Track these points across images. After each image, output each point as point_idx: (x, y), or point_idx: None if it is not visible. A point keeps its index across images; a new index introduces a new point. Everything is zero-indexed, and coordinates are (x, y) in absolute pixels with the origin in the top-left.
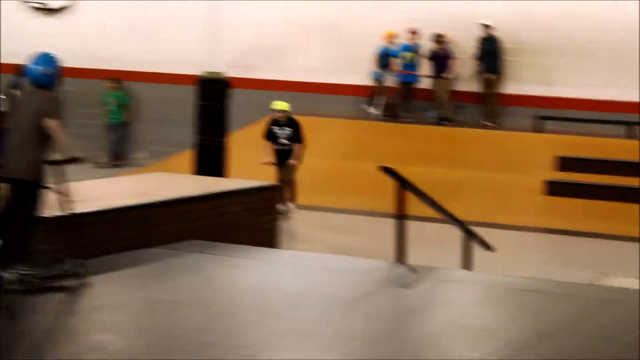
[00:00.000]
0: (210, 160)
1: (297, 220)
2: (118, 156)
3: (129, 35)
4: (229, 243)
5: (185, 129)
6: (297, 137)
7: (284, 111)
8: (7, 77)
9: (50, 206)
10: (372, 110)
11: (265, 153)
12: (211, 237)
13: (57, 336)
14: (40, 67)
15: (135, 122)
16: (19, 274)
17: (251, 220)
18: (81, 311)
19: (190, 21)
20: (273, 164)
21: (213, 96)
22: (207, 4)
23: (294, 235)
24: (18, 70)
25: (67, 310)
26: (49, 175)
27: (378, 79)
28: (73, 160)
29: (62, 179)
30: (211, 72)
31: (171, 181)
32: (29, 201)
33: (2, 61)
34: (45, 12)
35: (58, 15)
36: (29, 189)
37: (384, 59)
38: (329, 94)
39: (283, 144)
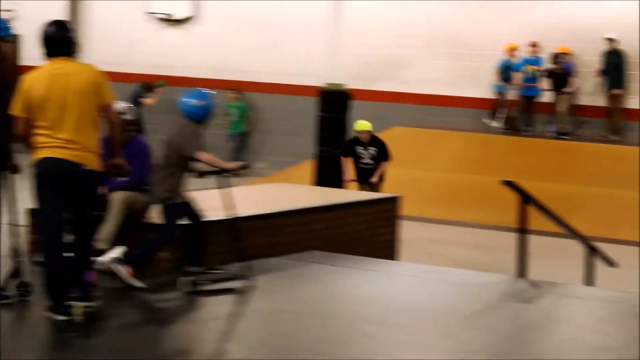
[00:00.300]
0: (330, 171)
1: (415, 233)
2: None
3: (250, 46)
4: (348, 254)
5: (305, 140)
6: (382, 156)
7: (368, 131)
8: (132, 87)
9: (217, 211)
10: (494, 124)
11: (347, 171)
12: (331, 248)
13: (180, 343)
14: (193, 100)
15: (255, 133)
16: (195, 273)
17: (371, 232)
18: (204, 319)
19: (311, 35)
20: (355, 181)
21: (334, 108)
22: (328, 16)
23: (412, 247)
24: (143, 80)
25: (191, 317)
26: (216, 184)
27: (500, 91)
28: (244, 167)
29: (226, 186)
30: (332, 84)
31: (292, 192)
32: (165, 220)
33: (128, 71)
34: (169, 23)
35: (182, 27)
36: (165, 211)
37: (506, 72)
38: (450, 106)
39: (367, 164)
